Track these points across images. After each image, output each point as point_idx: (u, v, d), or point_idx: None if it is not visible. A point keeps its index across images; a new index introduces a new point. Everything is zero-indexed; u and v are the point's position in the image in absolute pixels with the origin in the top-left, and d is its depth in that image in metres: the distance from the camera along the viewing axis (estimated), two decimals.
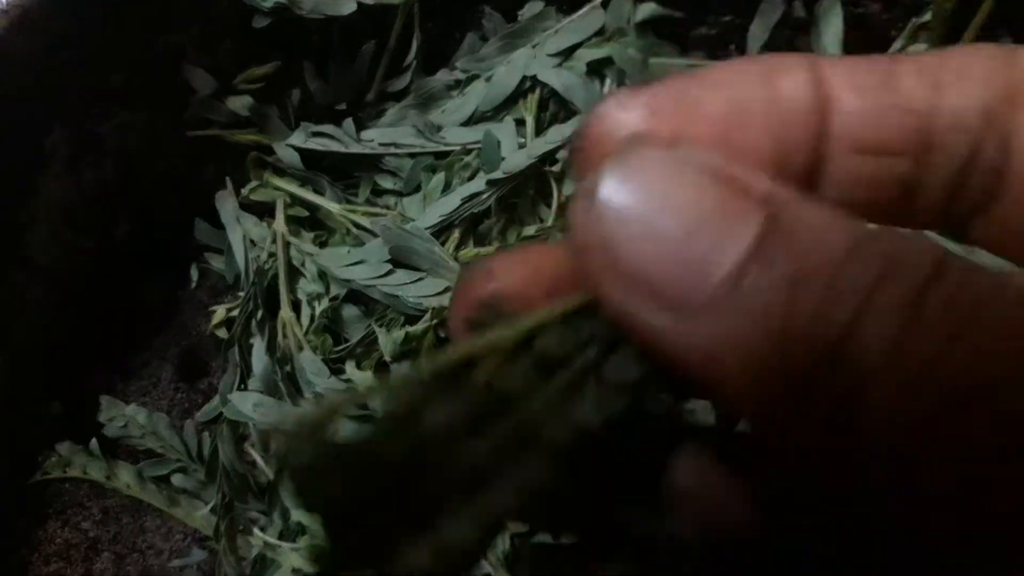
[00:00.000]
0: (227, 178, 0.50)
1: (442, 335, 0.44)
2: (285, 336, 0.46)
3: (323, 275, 0.47)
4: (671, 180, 0.16)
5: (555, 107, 0.47)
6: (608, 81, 0.47)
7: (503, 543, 0.41)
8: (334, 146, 0.48)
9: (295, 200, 0.49)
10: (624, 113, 0.18)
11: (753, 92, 0.19)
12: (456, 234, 0.45)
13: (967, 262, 0.15)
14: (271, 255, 0.48)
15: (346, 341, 0.46)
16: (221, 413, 0.47)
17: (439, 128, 0.48)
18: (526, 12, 0.49)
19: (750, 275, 0.15)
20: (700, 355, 0.16)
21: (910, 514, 0.15)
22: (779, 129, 0.18)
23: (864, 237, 0.15)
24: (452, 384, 0.15)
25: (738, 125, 0.18)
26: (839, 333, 0.14)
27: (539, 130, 0.46)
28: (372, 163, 0.48)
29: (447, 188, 0.46)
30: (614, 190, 0.16)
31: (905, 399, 0.14)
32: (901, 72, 0.18)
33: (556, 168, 0.46)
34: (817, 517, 0.19)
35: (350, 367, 0.44)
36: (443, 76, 0.50)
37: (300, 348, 0.46)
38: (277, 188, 0.49)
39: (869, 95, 0.18)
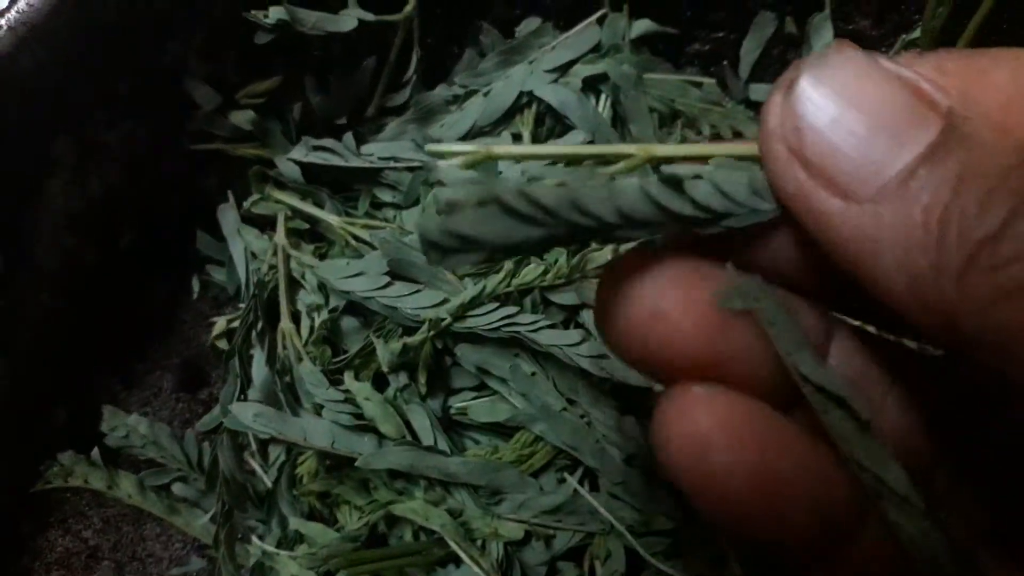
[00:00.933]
0: (229, 191, 0.50)
1: (439, 346, 0.45)
2: (285, 347, 0.47)
3: (323, 287, 0.47)
4: (864, 80, 0.17)
5: (551, 122, 0.48)
6: (603, 96, 0.48)
7: (498, 550, 0.42)
8: (334, 160, 0.49)
9: (296, 213, 0.50)
10: (914, 66, 0.19)
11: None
12: None
13: None
14: (272, 267, 0.48)
15: (345, 352, 0.46)
16: (221, 423, 0.47)
17: (438, 142, 0.48)
18: (523, 28, 0.50)
19: (920, 174, 0.16)
20: (861, 241, 0.17)
21: None
22: None
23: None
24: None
25: (1020, 98, 0.18)
26: (993, 231, 0.15)
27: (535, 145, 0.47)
28: (372, 176, 0.49)
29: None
30: (811, 83, 0.18)
31: None
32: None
33: None
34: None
35: (348, 378, 0.45)
36: (442, 91, 0.50)
37: (300, 359, 0.46)
38: (278, 201, 0.50)
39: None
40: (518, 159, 0.19)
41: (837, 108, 0.17)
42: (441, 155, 0.18)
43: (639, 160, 0.19)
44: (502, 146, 0.19)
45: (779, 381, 0.19)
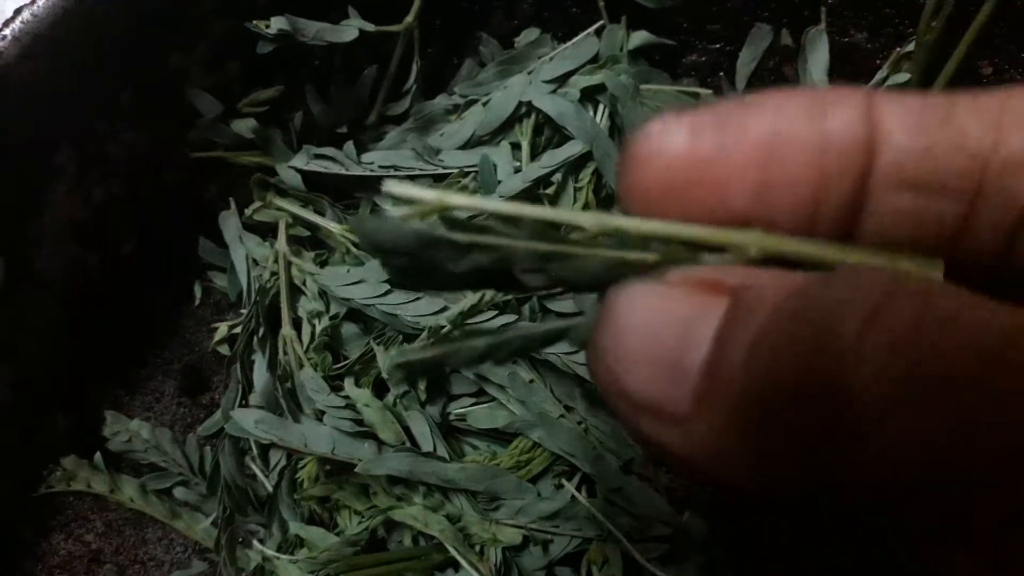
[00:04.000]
0: (231, 198, 0.51)
1: None
2: (286, 353, 0.48)
3: (323, 294, 0.48)
4: (647, 306, 0.17)
5: (550, 132, 0.49)
6: (601, 107, 0.48)
7: (496, 555, 0.42)
8: (335, 168, 0.49)
9: (297, 220, 0.50)
10: (667, 135, 0.19)
11: (799, 122, 0.19)
12: None
13: (930, 286, 0.15)
14: (273, 274, 0.49)
15: (345, 358, 0.47)
16: (223, 428, 0.48)
17: (437, 151, 0.49)
18: (522, 39, 0.51)
19: (717, 362, 0.16)
20: (702, 459, 0.16)
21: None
22: (822, 161, 0.18)
23: (810, 288, 0.15)
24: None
25: (779, 153, 0.18)
26: (790, 392, 0.15)
27: (534, 154, 0.48)
28: (372, 185, 0.50)
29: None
30: (605, 335, 0.18)
31: (887, 431, 0.14)
32: (958, 112, 0.18)
33: (551, 191, 0.47)
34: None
35: (349, 384, 0.45)
36: (442, 101, 0.51)
37: (300, 365, 0.47)
38: (279, 208, 0.50)
39: (923, 133, 0.18)
40: (471, 213, 0.19)
41: (632, 344, 0.17)
42: (397, 199, 0.18)
43: (592, 232, 0.19)
44: (458, 197, 0.18)
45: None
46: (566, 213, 0.19)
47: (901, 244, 0.18)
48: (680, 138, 0.19)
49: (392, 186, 0.18)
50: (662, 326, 0.17)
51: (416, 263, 0.18)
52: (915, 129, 0.18)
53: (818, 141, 0.18)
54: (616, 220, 0.19)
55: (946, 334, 0.14)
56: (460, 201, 0.18)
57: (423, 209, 0.18)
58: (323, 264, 0.49)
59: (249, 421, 0.45)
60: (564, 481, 0.44)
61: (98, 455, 0.49)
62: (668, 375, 0.17)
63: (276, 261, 0.49)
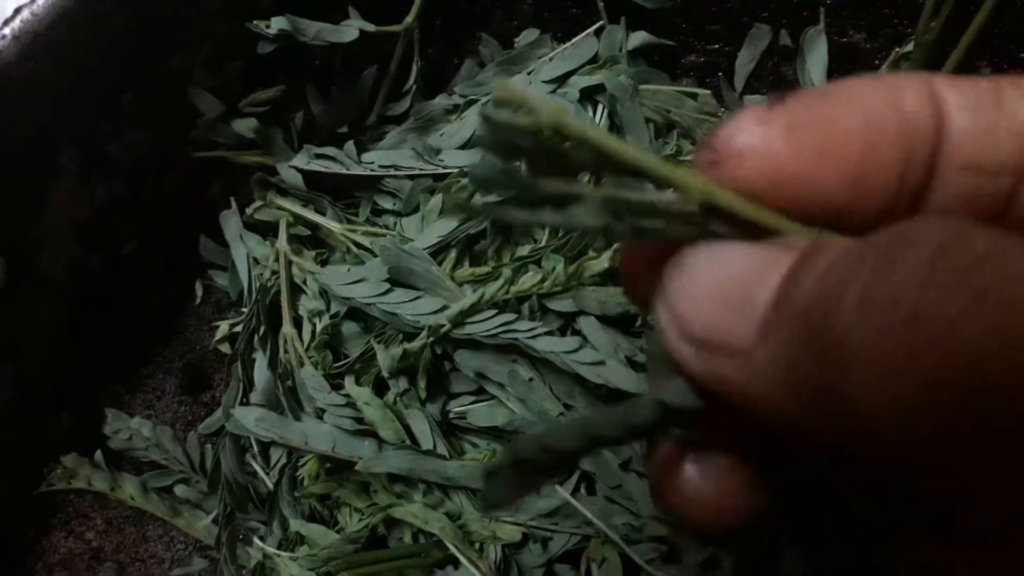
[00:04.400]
0: (231, 198, 0.51)
1: (438, 352, 0.45)
2: (286, 351, 0.48)
3: (324, 293, 0.48)
4: (720, 258, 0.18)
5: None
6: (601, 107, 0.49)
7: (496, 553, 0.42)
8: (336, 167, 0.49)
9: (297, 219, 0.50)
10: (763, 127, 0.19)
11: (885, 109, 0.19)
12: (453, 254, 0.47)
13: (999, 232, 0.14)
14: (274, 273, 0.49)
15: (346, 357, 0.47)
16: (223, 426, 0.48)
17: (438, 151, 0.49)
18: (522, 39, 0.51)
19: (787, 295, 0.17)
20: (758, 390, 0.17)
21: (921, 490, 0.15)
22: (908, 145, 0.19)
23: (881, 231, 0.16)
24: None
25: (874, 141, 0.19)
26: (856, 307, 0.14)
27: None
28: (372, 184, 0.50)
29: (444, 210, 0.48)
30: (675, 278, 0.19)
31: (927, 372, 0.14)
32: (1007, 95, 0.19)
33: None
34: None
35: (349, 382, 0.45)
36: (442, 100, 0.51)
37: (301, 363, 0.47)
38: (280, 208, 0.50)
39: (980, 115, 0.19)
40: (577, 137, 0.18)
41: (704, 285, 0.18)
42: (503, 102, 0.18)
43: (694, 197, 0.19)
44: (570, 119, 0.18)
45: None
46: (677, 174, 0.19)
47: None
48: (777, 133, 0.19)
49: (501, 90, 0.18)
50: (733, 269, 0.18)
51: (522, 167, 0.18)
52: (973, 111, 0.19)
53: (903, 128, 0.19)
54: (719, 194, 0.19)
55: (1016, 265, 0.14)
56: (572, 124, 0.18)
57: (531, 120, 0.18)
58: (324, 263, 0.50)
59: (250, 419, 0.45)
60: (557, 488, 0.44)
61: (99, 453, 0.49)
62: (737, 311, 0.17)
63: (277, 260, 0.49)
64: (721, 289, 0.18)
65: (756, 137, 0.19)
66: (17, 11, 0.42)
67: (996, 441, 0.13)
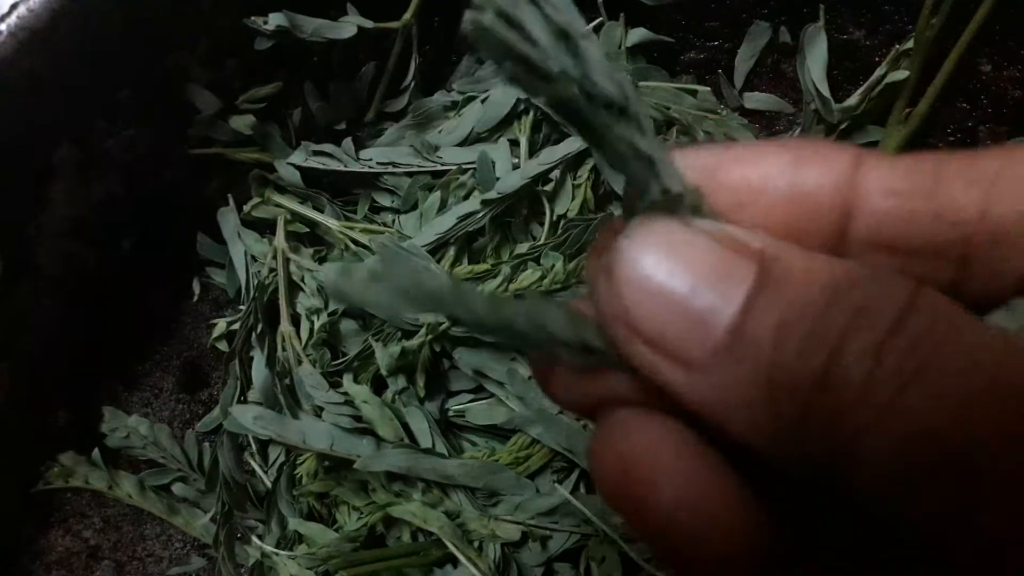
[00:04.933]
0: (229, 195, 0.51)
1: (437, 350, 0.45)
2: (284, 349, 0.48)
3: (322, 290, 0.48)
4: (675, 246, 0.18)
5: (548, 129, 0.49)
6: None
7: (495, 551, 0.42)
8: (334, 164, 0.49)
9: (295, 217, 0.50)
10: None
11: (777, 175, 0.19)
12: (451, 252, 0.47)
13: (941, 304, 0.16)
14: (271, 270, 0.49)
15: (344, 355, 0.47)
16: (221, 424, 0.48)
17: (436, 148, 0.49)
18: None
19: (744, 330, 0.17)
20: (709, 405, 0.17)
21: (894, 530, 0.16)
22: (797, 214, 0.19)
23: (844, 285, 0.16)
24: None
25: (755, 201, 0.19)
26: (814, 377, 0.16)
27: (532, 151, 0.48)
28: (370, 181, 0.50)
29: (443, 207, 0.48)
30: (626, 264, 0.18)
31: (880, 436, 0.15)
32: (948, 176, 0.18)
33: (549, 188, 0.47)
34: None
35: (347, 380, 0.45)
36: (440, 97, 0.51)
37: (299, 361, 0.47)
38: (278, 205, 0.50)
39: (908, 202, 0.18)
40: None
41: (656, 279, 0.17)
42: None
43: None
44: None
45: None
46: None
47: None
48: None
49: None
50: (688, 273, 0.17)
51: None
52: (897, 194, 0.19)
53: (792, 197, 0.19)
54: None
55: (956, 350, 0.15)
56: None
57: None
58: (322, 260, 0.49)
59: (248, 417, 0.45)
60: (557, 486, 0.44)
61: (96, 451, 0.49)
62: (689, 323, 0.17)
63: (275, 257, 0.49)
64: (676, 291, 0.17)
65: None
66: (13, 7, 0.41)
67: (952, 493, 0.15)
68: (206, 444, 0.51)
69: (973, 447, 0.15)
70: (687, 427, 0.19)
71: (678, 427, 0.19)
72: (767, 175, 0.19)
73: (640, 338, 0.18)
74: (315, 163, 0.49)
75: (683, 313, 0.17)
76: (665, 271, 0.17)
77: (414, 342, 0.44)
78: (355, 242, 0.48)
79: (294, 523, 0.46)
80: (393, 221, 0.49)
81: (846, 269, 0.17)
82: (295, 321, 0.49)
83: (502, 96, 0.49)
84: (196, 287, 0.53)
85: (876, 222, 0.19)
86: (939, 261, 0.19)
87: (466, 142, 0.49)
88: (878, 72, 0.47)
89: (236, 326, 0.50)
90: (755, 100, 0.51)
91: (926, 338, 0.15)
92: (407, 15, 0.48)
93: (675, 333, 0.17)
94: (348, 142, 0.49)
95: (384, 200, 0.50)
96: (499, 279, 0.44)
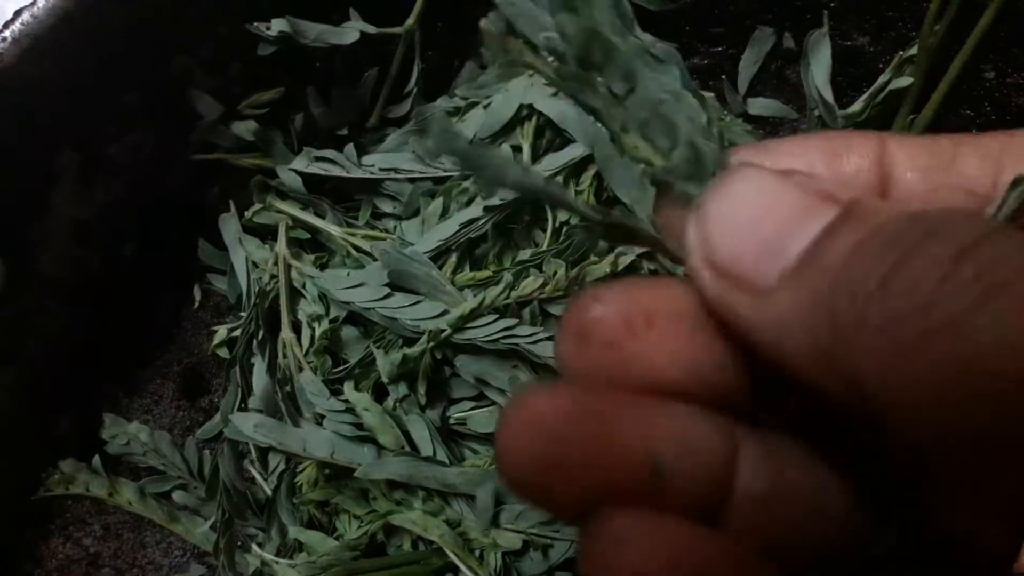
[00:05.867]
0: (231, 201, 0.51)
1: (438, 357, 0.45)
2: (285, 356, 0.47)
3: (323, 297, 0.48)
4: (764, 188, 0.18)
5: (551, 135, 0.48)
6: None
7: (496, 560, 0.42)
8: (336, 170, 0.49)
9: (297, 223, 0.50)
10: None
11: (817, 168, 0.20)
12: (453, 258, 0.46)
13: (1012, 239, 0.15)
14: (273, 277, 0.49)
15: (345, 362, 0.47)
16: (222, 431, 0.48)
17: (438, 154, 0.49)
18: None
19: (817, 255, 0.17)
20: (768, 331, 0.17)
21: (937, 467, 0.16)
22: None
23: (922, 213, 0.16)
24: None
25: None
26: (879, 280, 0.15)
27: (535, 157, 0.48)
28: (372, 187, 0.50)
29: (445, 213, 0.47)
30: (715, 200, 0.19)
31: (946, 348, 0.15)
32: (963, 154, 0.20)
33: None
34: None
35: (348, 388, 0.45)
36: (443, 103, 0.51)
37: (300, 368, 0.47)
38: (279, 211, 0.50)
39: (930, 176, 0.20)
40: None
41: (738, 214, 0.18)
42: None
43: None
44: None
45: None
46: None
47: None
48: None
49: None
50: (773, 207, 0.18)
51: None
52: (921, 171, 0.20)
53: (835, 181, 0.19)
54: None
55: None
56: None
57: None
58: (323, 267, 0.49)
59: (248, 425, 0.45)
60: None
61: (97, 458, 0.49)
62: (766, 251, 0.18)
63: (276, 264, 0.49)
64: (756, 224, 0.18)
65: None
66: (17, 13, 0.41)
67: (991, 433, 0.14)
68: (206, 451, 0.50)
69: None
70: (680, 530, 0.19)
71: (674, 534, 0.18)
72: (810, 167, 0.20)
73: (714, 270, 0.18)
74: (317, 169, 0.49)
75: (758, 242, 0.18)
76: (749, 205, 0.18)
77: (415, 349, 0.44)
78: (357, 248, 0.48)
79: (294, 531, 0.45)
80: (395, 227, 0.49)
81: (936, 210, 0.17)
82: (296, 328, 0.48)
83: (504, 102, 0.49)
84: (197, 293, 0.52)
85: (905, 198, 0.20)
86: None
87: None
88: (882, 78, 0.47)
89: (237, 333, 0.49)
90: (759, 106, 0.51)
91: (1010, 260, 0.15)
92: (410, 20, 0.48)
93: (748, 262, 0.18)
94: (350, 148, 0.49)
95: (386, 206, 0.50)
96: (501, 286, 0.44)
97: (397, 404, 0.45)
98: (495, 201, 0.46)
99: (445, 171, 0.48)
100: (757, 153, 0.20)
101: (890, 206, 0.17)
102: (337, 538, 0.45)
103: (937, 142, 0.20)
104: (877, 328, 0.15)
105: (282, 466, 0.47)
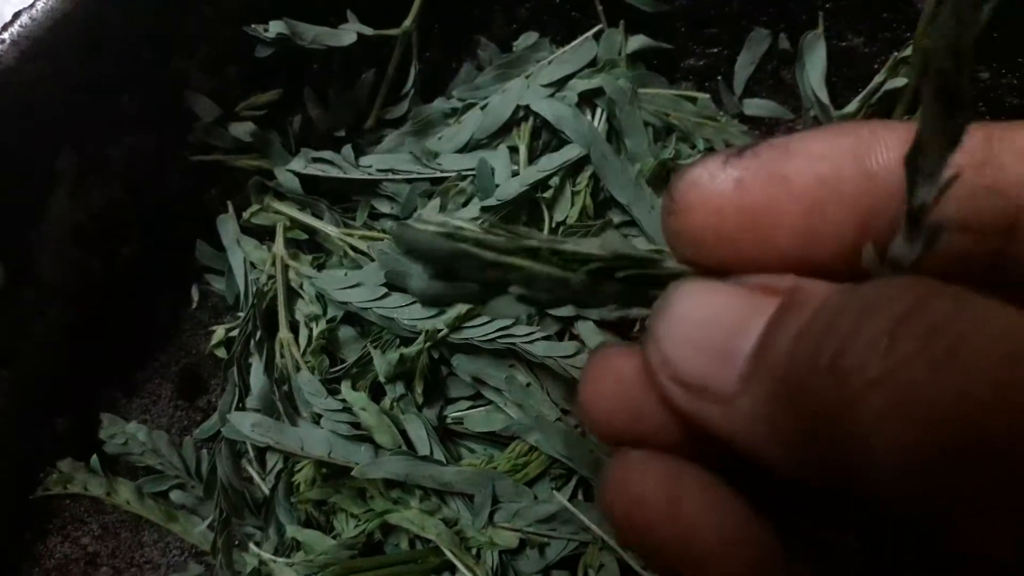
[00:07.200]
0: (229, 202, 0.51)
1: (435, 357, 0.45)
2: (283, 356, 0.48)
3: (321, 297, 0.48)
4: (705, 300, 0.19)
5: (547, 136, 0.49)
6: (599, 110, 0.48)
7: (493, 559, 0.42)
8: (333, 171, 0.49)
9: (294, 223, 0.50)
10: (714, 185, 0.20)
11: (845, 169, 0.19)
12: None
13: (962, 297, 0.15)
14: (270, 277, 0.49)
15: (342, 362, 0.47)
16: (220, 431, 0.48)
17: (435, 155, 0.49)
18: (521, 43, 0.51)
19: (766, 348, 0.17)
20: (740, 435, 0.18)
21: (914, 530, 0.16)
22: (867, 204, 0.19)
23: (855, 290, 0.16)
24: None
25: (826, 201, 0.19)
26: (825, 369, 0.15)
27: (531, 158, 0.48)
28: (370, 188, 0.50)
29: (442, 213, 0.48)
30: (663, 322, 0.20)
31: (894, 423, 0.14)
32: (998, 150, 0.19)
33: (548, 195, 0.47)
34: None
35: (345, 387, 0.45)
36: (440, 104, 0.51)
37: (297, 368, 0.47)
38: (277, 212, 0.50)
39: (963, 177, 0.19)
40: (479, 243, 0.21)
41: (688, 330, 0.19)
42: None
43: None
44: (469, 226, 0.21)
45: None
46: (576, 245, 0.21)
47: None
48: (727, 188, 0.20)
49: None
50: (718, 316, 0.19)
51: (446, 270, 0.21)
52: (955, 167, 0.19)
53: (862, 188, 0.19)
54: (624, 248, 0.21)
55: (975, 332, 0.15)
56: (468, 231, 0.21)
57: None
58: (320, 267, 0.49)
59: (246, 424, 0.45)
60: (555, 492, 0.44)
61: (95, 458, 0.49)
62: (720, 359, 0.18)
63: (274, 264, 0.49)
64: (705, 335, 0.19)
65: (705, 192, 0.20)
66: (16, 16, 0.42)
67: (969, 488, 0.14)
68: (204, 451, 0.50)
69: (1016, 434, 0.14)
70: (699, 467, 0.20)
71: (690, 468, 0.20)
72: (837, 170, 0.19)
73: (685, 388, 0.19)
74: (315, 170, 0.49)
75: (712, 352, 0.18)
76: (695, 319, 0.19)
77: (412, 349, 0.44)
78: (354, 249, 0.48)
79: (292, 530, 0.46)
80: (392, 227, 0.49)
81: (871, 284, 0.17)
82: (294, 328, 0.49)
83: (501, 103, 0.49)
84: (195, 294, 0.53)
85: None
86: (985, 233, 0.19)
87: (465, 149, 0.49)
88: (877, 79, 0.47)
89: (235, 333, 0.50)
90: (755, 107, 0.51)
91: (953, 320, 0.15)
92: (407, 22, 0.48)
93: (708, 372, 0.18)
94: (348, 149, 0.50)
95: (383, 207, 0.50)
96: None
97: (394, 403, 0.45)
98: (492, 201, 0.46)
99: (442, 172, 0.48)
100: (783, 156, 0.20)
101: (824, 287, 0.17)
102: (334, 537, 0.45)
103: (971, 134, 0.19)
104: (835, 419, 0.15)
105: (280, 465, 0.47)
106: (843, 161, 0.19)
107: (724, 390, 0.18)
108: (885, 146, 0.19)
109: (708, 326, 0.19)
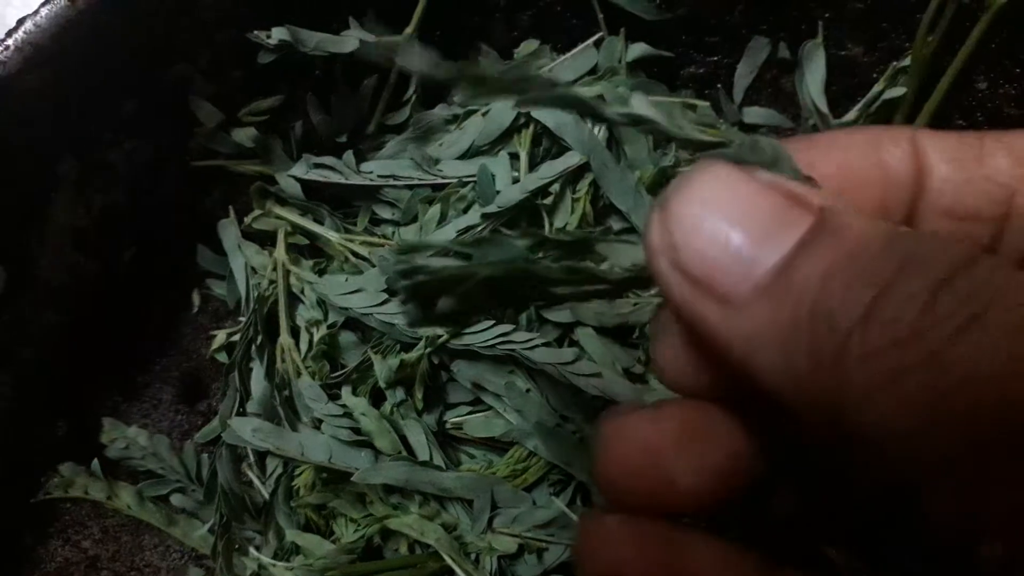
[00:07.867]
0: (230, 207, 0.51)
1: (435, 362, 0.45)
2: (284, 361, 0.48)
3: (322, 302, 0.48)
4: (733, 191, 0.18)
5: (548, 143, 0.49)
6: None
7: (491, 564, 0.42)
8: (335, 177, 0.49)
9: (296, 229, 0.50)
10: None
11: (862, 158, 0.21)
12: None
13: (1000, 261, 0.16)
14: (271, 282, 0.49)
15: (343, 367, 0.47)
16: (220, 435, 0.48)
17: (436, 161, 0.49)
18: (522, 50, 0.51)
19: (790, 271, 0.17)
20: (741, 343, 0.17)
21: (910, 490, 0.16)
22: (883, 192, 0.20)
23: (899, 238, 0.16)
24: None
25: (847, 186, 0.20)
26: (861, 313, 0.15)
27: (532, 165, 0.48)
28: (371, 194, 0.50)
29: (443, 220, 0.48)
30: (681, 199, 0.18)
31: (927, 379, 0.15)
32: (989, 148, 0.21)
33: (548, 202, 0.47)
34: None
35: (346, 393, 0.45)
36: (441, 110, 0.51)
37: (298, 373, 0.47)
38: (279, 217, 0.50)
39: (964, 167, 0.20)
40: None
41: (707, 219, 0.18)
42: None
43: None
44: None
45: None
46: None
47: None
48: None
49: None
50: (744, 215, 0.18)
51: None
52: (954, 163, 0.20)
53: (879, 176, 0.20)
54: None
55: (1018, 302, 0.15)
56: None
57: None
58: (321, 272, 0.50)
59: (246, 429, 0.45)
60: (554, 498, 0.44)
61: (95, 462, 0.49)
62: (735, 261, 0.17)
63: (275, 269, 0.49)
64: (727, 231, 0.18)
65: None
66: (20, 22, 0.42)
67: (967, 459, 0.15)
68: (205, 455, 0.51)
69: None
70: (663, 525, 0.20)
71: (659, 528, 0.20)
72: (855, 159, 0.21)
73: (682, 274, 0.18)
74: (316, 175, 0.50)
75: (728, 251, 0.17)
76: (718, 210, 0.18)
77: (413, 354, 0.44)
78: (355, 254, 0.49)
79: (292, 534, 0.46)
80: (393, 233, 0.50)
81: (905, 230, 0.17)
82: (294, 333, 0.49)
83: (502, 110, 0.49)
84: (196, 298, 0.53)
85: (941, 189, 0.20)
86: (982, 223, 0.20)
87: (466, 155, 0.49)
88: (876, 88, 0.47)
89: (236, 338, 0.50)
90: (754, 115, 0.51)
91: (985, 288, 0.15)
92: (409, 29, 0.49)
93: (718, 271, 0.18)
94: (349, 155, 0.50)
95: (384, 213, 0.50)
96: None
97: (394, 409, 0.45)
98: (493, 208, 0.46)
99: (443, 178, 0.49)
100: (805, 144, 0.21)
101: (860, 219, 0.17)
102: (334, 541, 0.45)
103: (963, 136, 0.21)
104: (858, 360, 0.15)
105: (280, 470, 0.47)
106: (860, 152, 0.21)
107: (734, 294, 0.17)
108: (895, 140, 0.21)
109: (730, 222, 0.18)
